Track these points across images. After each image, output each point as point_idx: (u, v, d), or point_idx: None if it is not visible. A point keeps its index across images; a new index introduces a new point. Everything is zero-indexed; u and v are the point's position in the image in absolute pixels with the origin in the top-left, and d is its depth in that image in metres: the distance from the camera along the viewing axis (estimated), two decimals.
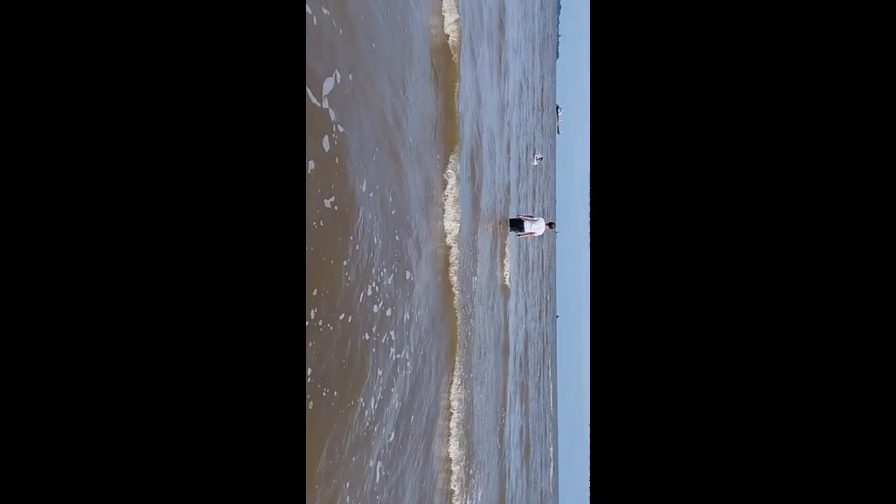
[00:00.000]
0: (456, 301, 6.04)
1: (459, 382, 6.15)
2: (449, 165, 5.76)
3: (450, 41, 5.70)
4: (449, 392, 5.73)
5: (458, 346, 6.12)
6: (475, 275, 7.53)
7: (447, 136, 5.76)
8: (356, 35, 3.56)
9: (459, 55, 6.07)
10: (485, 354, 8.35)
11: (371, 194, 3.86)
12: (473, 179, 7.51)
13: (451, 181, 5.87)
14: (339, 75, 3.29)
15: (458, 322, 6.24)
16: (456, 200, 6.10)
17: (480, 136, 8.11)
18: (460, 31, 6.06)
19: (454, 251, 5.95)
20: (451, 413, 5.82)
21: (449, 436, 5.72)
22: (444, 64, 5.66)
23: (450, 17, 5.66)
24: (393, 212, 4.30)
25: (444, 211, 5.63)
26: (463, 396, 6.37)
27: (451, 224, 5.84)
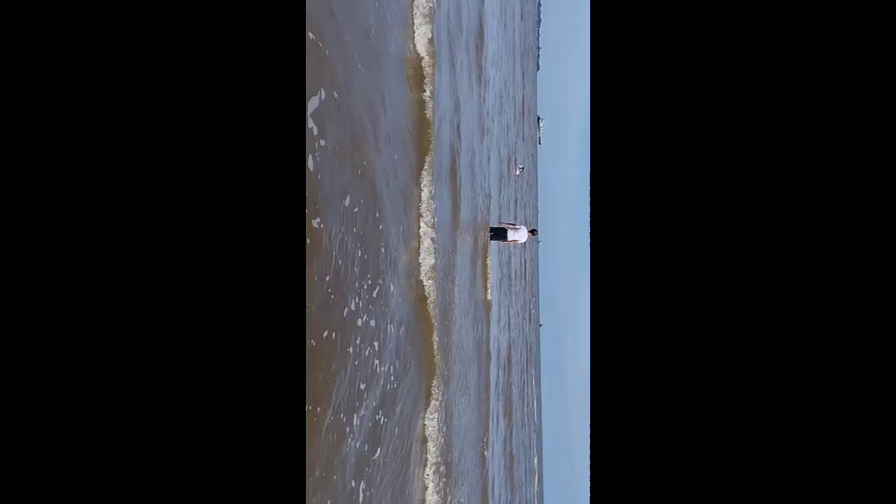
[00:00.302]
0: (436, 312, 5.99)
1: (440, 395, 6.09)
2: (427, 176, 5.74)
3: (426, 52, 5.69)
4: (428, 405, 5.67)
5: (439, 357, 6.07)
6: (455, 285, 7.49)
7: (425, 146, 5.74)
8: (339, 54, 3.62)
9: (435, 67, 6.07)
10: (467, 366, 8.30)
11: (356, 209, 3.89)
12: (454, 189, 7.50)
13: (429, 192, 5.85)
14: (323, 93, 3.32)
15: (440, 334, 6.19)
16: (434, 211, 6.07)
17: (460, 146, 8.12)
18: (434, 44, 6.07)
19: (434, 262, 5.92)
20: (432, 427, 5.75)
21: (429, 450, 5.65)
22: (421, 76, 5.66)
23: (424, 31, 5.65)
24: (380, 227, 4.29)
25: (422, 222, 5.60)
26: (443, 409, 6.31)
27: (430, 235, 5.81)
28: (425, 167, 5.65)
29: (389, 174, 4.67)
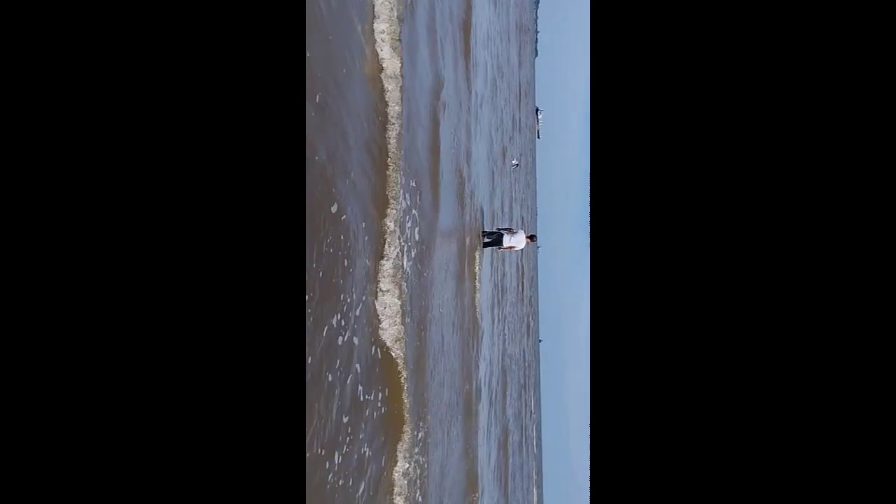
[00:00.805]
0: (409, 335, 5.59)
1: (415, 427, 5.68)
2: (397, 177, 5.34)
3: (392, 37, 5.27)
4: (401, 438, 5.23)
5: (413, 386, 5.66)
6: (434, 301, 7.10)
7: (395, 144, 5.33)
8: (326, 68, 3.86)
9: (402, 52, 5.68)
10: (452, 394, 7.91)
11: (343, 217, 3.96)
12: (433, 188, 7.12)
13: (400, 194, 5.46)
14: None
15: (415, 359, 5.80)
16: (407, 216, 5.72)
17: (440, 137, 7.76)
18: (405, 28, 5.72)
19: (406, 275, 5.52)
20: (408, 464, 5.33)
21: (408, 487, 5.23)
22: (384, 64, 5.25)
23: (392, 16, 5.23)
24: (365, 237, 4.26)
25: (394, 229, 5.20)
26: (422, 443, 5.89)
27: (403, 245, 5.41)
28: (392, 168, 5.23)
29: (355, 178, 4.28)
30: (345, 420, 3.97)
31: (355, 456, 4.15)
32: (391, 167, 5.22)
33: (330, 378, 3.76)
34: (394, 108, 5.31)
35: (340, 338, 3.99)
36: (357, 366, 4.29)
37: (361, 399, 4.35)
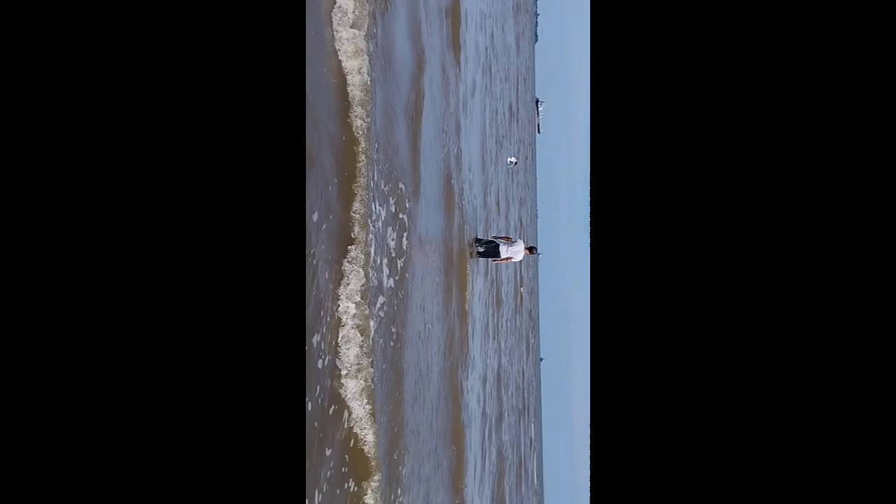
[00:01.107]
0: (382, 364, 5.60)
1: (406, 461, 5.69)
2: (366, 178, 5.29)
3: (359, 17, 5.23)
4: (375, 478, 5.17)
5: (399, 412, 5.67)
6: (425, 316, 7.13)
7: (361, 142, 5.22)
8: None
9: (372, 38, 5.70)
10: (436, 430, 7.92)
11: (322, 223, 4.04)
12: (416, 189, 7.16)
13: (389, 198, 5.48)
14: None
15: (388, 390, 5.81)
16: (403, 218, 5.71)
17: (420, 130, 7.80)
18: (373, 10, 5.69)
19: (391, 284, 5.55)
20: None
21: None
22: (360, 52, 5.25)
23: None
24: (335, 246, 4.21)
25: (377, 235, 5.23)
26: (408, 479, 5.91)
27: (387, 250, 5.44)
28: (362, 169, 5.11)
29: (322, 180, 4.30)
30: (327, 453, 4.02)
31: (337, 492, 4.19)
32: (361, 168, 5.08)
33: (310, 407, 3.82)
34: (362, 99, 5.13)
35: (320, 361, 4.05)
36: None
37: (345, 428, 4.39)
